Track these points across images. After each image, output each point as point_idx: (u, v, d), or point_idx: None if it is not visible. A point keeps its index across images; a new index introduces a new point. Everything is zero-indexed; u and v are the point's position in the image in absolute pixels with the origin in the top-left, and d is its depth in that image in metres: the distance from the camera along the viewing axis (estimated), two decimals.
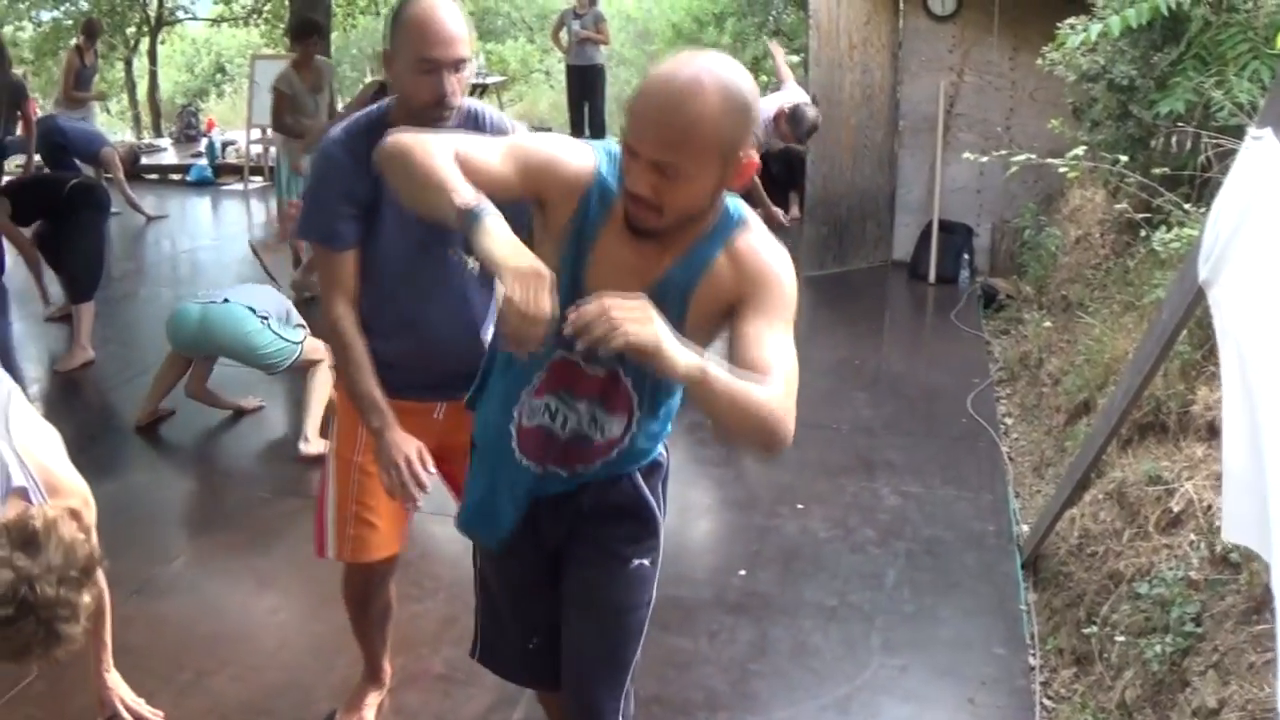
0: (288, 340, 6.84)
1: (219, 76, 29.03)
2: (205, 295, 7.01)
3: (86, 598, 3.07)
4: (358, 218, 3.50)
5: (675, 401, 3.04)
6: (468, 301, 3.68)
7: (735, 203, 2.75)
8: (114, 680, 4.25)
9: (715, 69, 2.49)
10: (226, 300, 6.80)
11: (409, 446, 3.39)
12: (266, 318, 6.78)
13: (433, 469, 3.41)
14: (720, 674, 4.64)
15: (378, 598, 4.18)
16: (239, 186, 15.71)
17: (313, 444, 6.67)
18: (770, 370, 2.57)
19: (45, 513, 3.10)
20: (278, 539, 5.92)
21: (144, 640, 4.88)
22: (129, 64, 23.57)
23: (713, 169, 2.53)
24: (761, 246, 2.74)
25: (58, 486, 3.58)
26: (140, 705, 4.29)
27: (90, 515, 3.63)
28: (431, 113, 3.36)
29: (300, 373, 6.92)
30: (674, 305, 2.64)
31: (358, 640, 4.27)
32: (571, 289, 2.62)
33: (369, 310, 3.60)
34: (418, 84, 3.37)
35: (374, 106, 3.59)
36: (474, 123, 3.52)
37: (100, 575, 3.28)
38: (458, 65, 3.38)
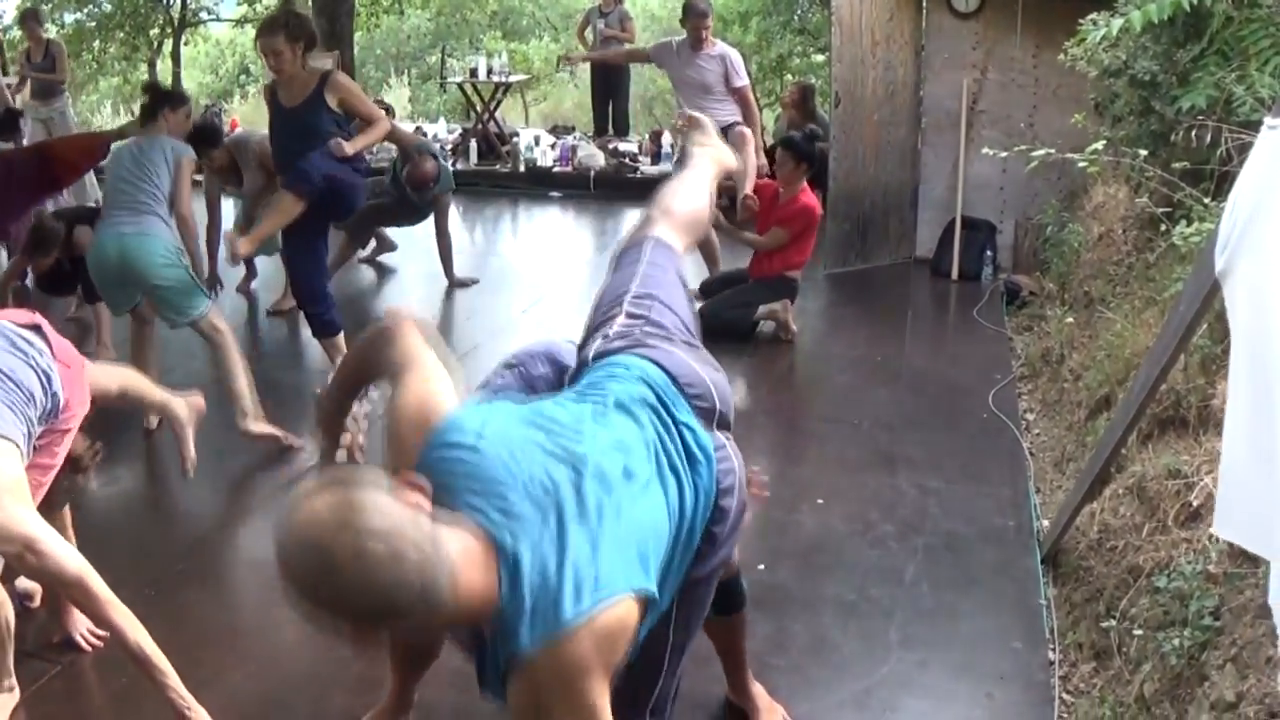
0: (200, 289, 6.84)
1: (243, 78, 29.14)
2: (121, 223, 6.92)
3: None
4: None
5: None
6: None
7: None
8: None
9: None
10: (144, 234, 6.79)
11: None
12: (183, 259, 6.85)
13: None
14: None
15: None
16: None
17: (253, 420, 6.74)
18: None
19: None
20: None
21: (160, 636, 4.87)
22: (153, 65, 23.63)
23: None
24: None
25: None
26: None
27: (33, 560, 3.73)
28: None
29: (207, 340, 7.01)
30: None
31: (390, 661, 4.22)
32: None
33: None
34: None
35: None
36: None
37: None
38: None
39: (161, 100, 7.26)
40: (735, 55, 9.70)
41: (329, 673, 4.62)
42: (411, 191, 10.30)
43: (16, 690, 4.31)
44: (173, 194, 6.86)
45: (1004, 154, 7.90)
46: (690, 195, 3.79)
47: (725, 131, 9.01)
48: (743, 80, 9.69)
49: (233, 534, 5.22)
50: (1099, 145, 7.05)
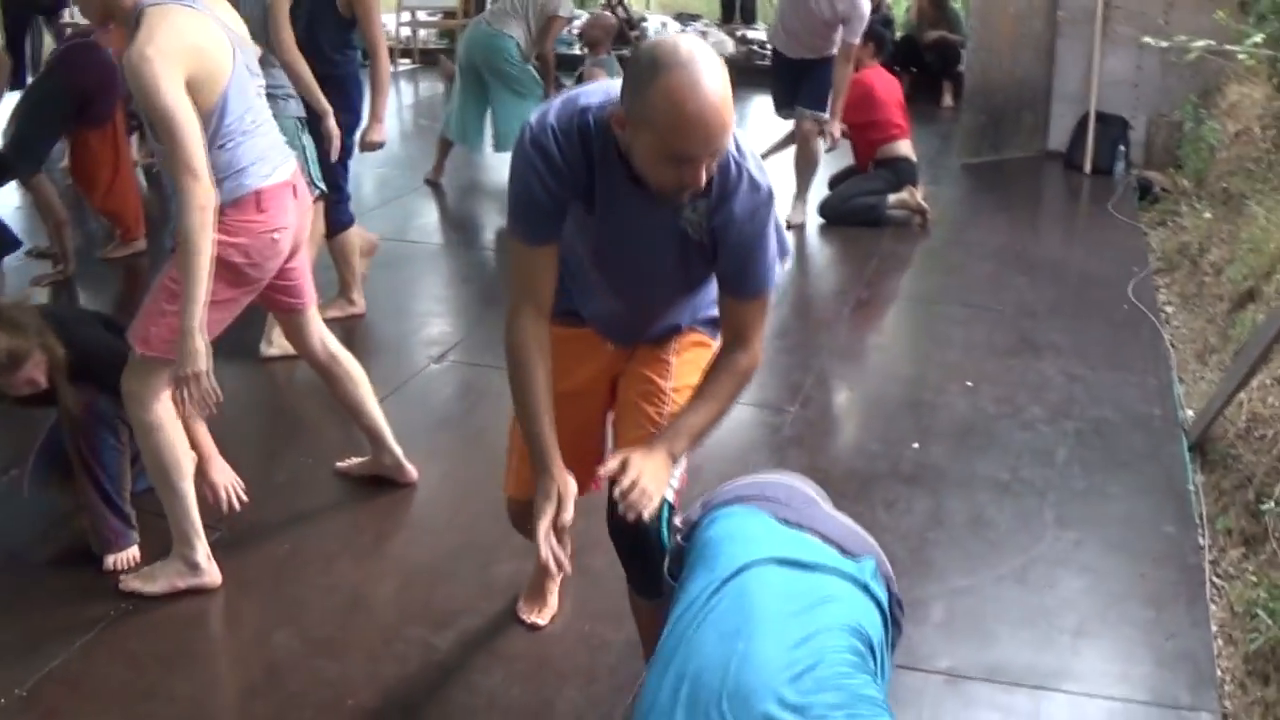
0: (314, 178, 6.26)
1: None
2: None
3: None
4: (558, 214, 3.18)
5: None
6: (673, 283, 3.44)
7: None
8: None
9: (708, 63, 2.81)
10: None
11: (549, 506, 3.09)
12: None
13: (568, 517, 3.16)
14: (898, 542, 4.76)
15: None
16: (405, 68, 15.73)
17: (275, 345, 6.56)
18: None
19: None
20: (456, 402, 6.20)
21: (322, 504, 5.11)
22: None
23: None
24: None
25: None
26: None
27: None
28: (664, 195, 3.00)
29: None
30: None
31: None
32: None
33: (569, 285, 3.47)
34: (658, 169, 2.91)
35: (589, 107, 3.10)
36: (708, 191, 3.06)
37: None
38: (715, 153, 2.91)
39: None
40: (867, 8, 8.95)
41: (491, 540, 4.73)
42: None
43: None
44: None
45: (1163, 44, 7.84)
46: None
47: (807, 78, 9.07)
48: (857, 38, 8.95)
49: (386, 411, 5.28)
50: (1259, 38, 7.05)
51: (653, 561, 3.23)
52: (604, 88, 3.14)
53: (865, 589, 2.65)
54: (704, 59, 2.79)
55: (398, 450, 5.17)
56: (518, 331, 3.24)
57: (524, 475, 3.53)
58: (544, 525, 3.05)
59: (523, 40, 9.80)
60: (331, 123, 6.36)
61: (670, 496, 3.24)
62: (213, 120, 4.05)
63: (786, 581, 2.59)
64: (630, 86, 2.86)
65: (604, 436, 3.85)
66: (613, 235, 3.23)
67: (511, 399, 3.30)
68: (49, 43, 12.86)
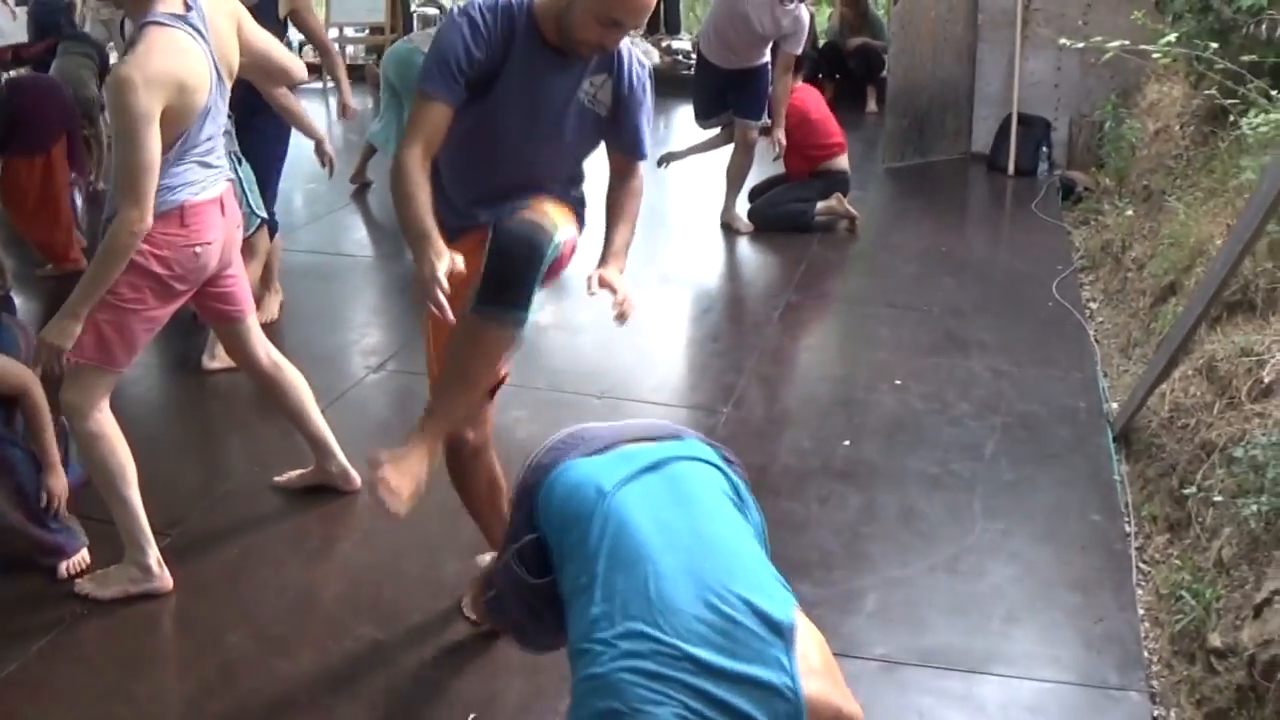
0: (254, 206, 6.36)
1: None
2: None
3: None
4: (466, 81, 3.66)
5: None
6: (558, 169, 4.00)
7: None
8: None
9: None
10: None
11: (440, 261, 3.47)
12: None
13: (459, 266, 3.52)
14: (833, 536, 4.89)
15: (475, 470, 4.23)
16: (318, 85, 15.69)
17: (217, 358, 6.56)
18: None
19: None
20: (396, 410, 6.25)
21: (270, 510, 5.17)
22: None
23: None
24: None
25: None
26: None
27: None
28: (580, 49, 3.65)
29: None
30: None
31: (475, 521, 4.42)
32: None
33: (462, 168, 3.92)
34: (588, 26, 3.55)
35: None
36: (609, 64, 3.81)
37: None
38: (637, 27, 3.64)
39: None
40: (807, 21, 9.19)
41: (437, 540, 4.85)
42: None
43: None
44: None
45: (1079, 45, 7.97)
46: None
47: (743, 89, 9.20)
48: (799, 50, 9.13)
49: (330, 416, 5.35)
50: (1172, 38, 7.18)
51: (528, 276, 3.67)
52: None
53: (698, 459, 3.08)
54: None
55: (342, 457, 5.24)
56: (409, 159, 3.64)
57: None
58: (440, 268, 3.42)
59: None
60: (328, 145, 6.52)
61: (560, 238, 3.71)
62: (174, 146, 4.13)
63: (646, 488, 2.89)
64: None
65: None
66: (516, 110, 3.77)
67: (395, 207, 3.68)
68: None
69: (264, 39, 4.59)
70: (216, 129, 4.34)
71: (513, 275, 3.64)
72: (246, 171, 6.13)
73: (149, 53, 3.94)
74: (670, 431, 3.22)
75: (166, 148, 4.07)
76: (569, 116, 3.83)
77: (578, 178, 4.11)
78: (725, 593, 2.61)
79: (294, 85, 5.08)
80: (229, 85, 4.37)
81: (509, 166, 3.88)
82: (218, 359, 6.36)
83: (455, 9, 3.74)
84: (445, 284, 3.39)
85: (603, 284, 3.68)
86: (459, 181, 3.93)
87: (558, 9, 3.60)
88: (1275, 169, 4.30)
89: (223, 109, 4.36)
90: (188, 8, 4.09)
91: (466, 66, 3.64)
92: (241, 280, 4.79)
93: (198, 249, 4.34)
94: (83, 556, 4.68)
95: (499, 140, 3.83)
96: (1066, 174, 10.48)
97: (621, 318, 3.67)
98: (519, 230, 3.61)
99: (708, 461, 3.10)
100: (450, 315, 3.44)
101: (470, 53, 3.63)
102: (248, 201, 6.01)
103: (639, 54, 3.89)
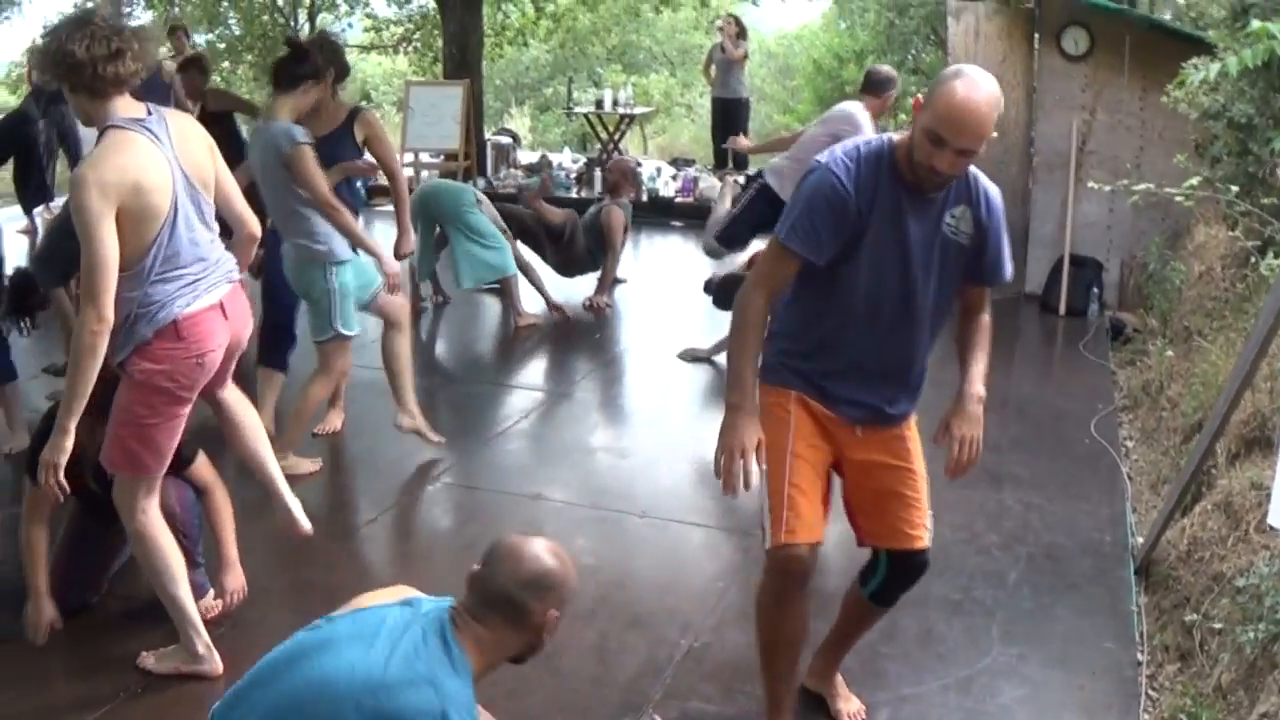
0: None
1: (365, 102, 29.66)
2: None
3: None
4: (835, 242, 3.89)
5: None
6: (917, 341, 4.17)
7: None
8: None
9: (985, 83, 3.76)
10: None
11: (750, 437, 3.83)
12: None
13: (762, 465, 3.88)
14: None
15: (794, 606, 4.29)
16: (390, 208, 15.98)
17: (412, 416, 7.20)
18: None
19: None
20: (439, 528, 6.47)
21: (350, 580, 5.45)
22: None
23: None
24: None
25: None
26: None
27: None
28: (925, 174, 3.79)
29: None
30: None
31: (763, 674, 4.46)
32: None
33: (821, 328, 4.11)
34: (922, 146, 3.73)
35: (882, 138, 4.01)
36: (967, 195, 4.02)
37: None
38: (963, 151, 3.72)
39: None
40: None
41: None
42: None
43: None
44: None
45: (1108, 188, 8.22)
46: None
47: None
48: None
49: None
50: (1194, 181, 7.37)
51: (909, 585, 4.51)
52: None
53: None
54: (983, 81, 3.76)
55: (291, 504, 5.19)
56: (752, 306, 3.96)
57: (807, 515, 4.13)
58: (756, 437, 3.86)
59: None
60: (391, 262, 6.84)
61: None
62: (150, 254, 4.28)
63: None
64: (932, 83, 3.83)
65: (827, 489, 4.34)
66: (883, 257, 3.95)
67: (728, 354, 4.04)
68: None
69: (229, 186, 4.72)
70: (200, 235, 4.46)
71: (906, 588, 4.50)
72: (336, 284, 6.61)
73: (104, 153, 4.15)
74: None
75: (140, 255, 4.24)
76: (935, 249, 3.98)
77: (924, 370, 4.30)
78: None
79: (250, 241, 4.97)
80: (206, 196, 4.51)
81: (877, 334, 4.07)
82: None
83: (822, 165, 3.93)
84: (752, 462, 3.82)
85: (952, 435, 4.15)
86: (808, 343, 4.17)
87: (909, 143, 3.83)
88: (1272, 301, 4.48)
89: (203, 216, 4.50)
90: (148, 113, 4.30)
91: (829, 219, 3.88)
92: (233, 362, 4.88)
93: (199, 359, 4.47)
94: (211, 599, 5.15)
95: (869, 297, 4.01)
96: (1117, 315, 10.63)
97: (954, 474, 4.20)
98: (923, 563, 4.41)
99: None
100: (738, 484, 3.82)
101: (835, 207, 3.87)
102: (329, 313, 6.59)
103: (985, 180, 4.08)
